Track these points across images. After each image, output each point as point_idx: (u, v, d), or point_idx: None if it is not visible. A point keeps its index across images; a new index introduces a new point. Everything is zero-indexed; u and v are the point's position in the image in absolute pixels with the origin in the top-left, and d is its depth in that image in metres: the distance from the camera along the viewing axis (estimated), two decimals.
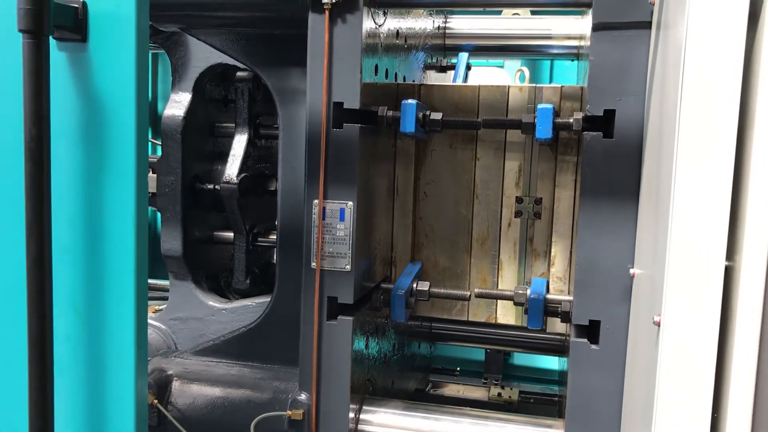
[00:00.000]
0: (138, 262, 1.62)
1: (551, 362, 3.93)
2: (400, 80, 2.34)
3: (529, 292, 2.18)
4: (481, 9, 3.02)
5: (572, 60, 3.21)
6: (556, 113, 2.12)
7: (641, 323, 1.66)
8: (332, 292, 2.06)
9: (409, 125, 2.04)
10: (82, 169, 1.59)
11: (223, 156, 2.76)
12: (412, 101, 2.04)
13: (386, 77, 2.15)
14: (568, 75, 4.14)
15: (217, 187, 2.73)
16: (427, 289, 2.25)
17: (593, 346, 1.94)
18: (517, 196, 2.33)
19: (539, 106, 2.07)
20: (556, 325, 2.41)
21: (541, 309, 2.14)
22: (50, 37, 1.54)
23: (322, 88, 1.97)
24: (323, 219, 2.03)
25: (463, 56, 2.90)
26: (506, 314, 2.39)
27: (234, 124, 2.80)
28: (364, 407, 2.20)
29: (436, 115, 2.16)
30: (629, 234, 1.88)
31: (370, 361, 2.25)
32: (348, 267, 2.03)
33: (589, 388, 1.94)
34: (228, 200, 2.68)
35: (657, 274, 1.43)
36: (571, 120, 2.02)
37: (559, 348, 2.86)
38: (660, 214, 1.46)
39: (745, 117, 1.29)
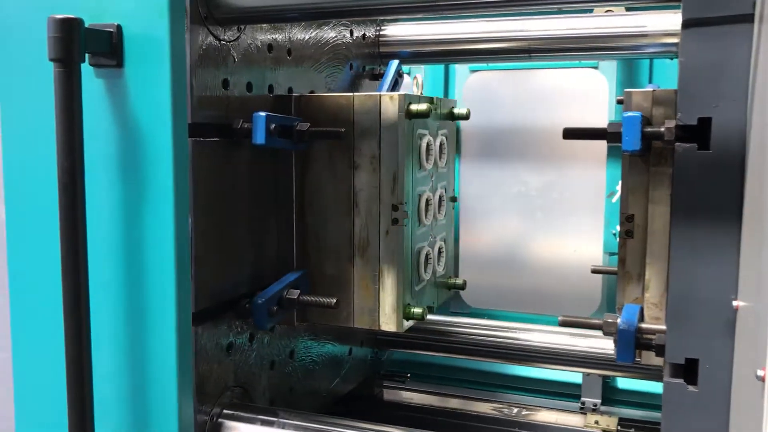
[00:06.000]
0: (179, 293, 1.55)
1: (656, 386, 3.62)
2: (283, 92, 2.29)
3: (619, 321, 1.95)
4: (362, 19, 2.87)
5: (671, 59, 2.93)
6: (647, 121, 1.89)
7: (744, 368, 1.42)
8: None
9: (259, 137, 1.99)
10: (121, 199, 1.53)
11: None
12: (262, 113, 1.98)
13: (249, 90, 2.08)
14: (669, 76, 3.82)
15: None
16: (295, 297, 2.20)
17: (691, 388, 1.70)
18: (392, 204, 2.27)
19: (625, 114, 1.85)
20: (652, 358, 2.16)
21: (632, 341, 1.91)
22: (87, 64, 1.49)
23: None
24: None
25: (393, 64, 2.86)
26: (388, 322, 2.32)
27: None
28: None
29: (303, 126, 2.14)
30: (731, 260, 1.63)
31: (236, 369, 2.08)
32: None
33: None
34: None
35: (761, 314, 1.20)
36: (662, 129, 1.79)
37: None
38: (765, 240, 1.23)
39: None
